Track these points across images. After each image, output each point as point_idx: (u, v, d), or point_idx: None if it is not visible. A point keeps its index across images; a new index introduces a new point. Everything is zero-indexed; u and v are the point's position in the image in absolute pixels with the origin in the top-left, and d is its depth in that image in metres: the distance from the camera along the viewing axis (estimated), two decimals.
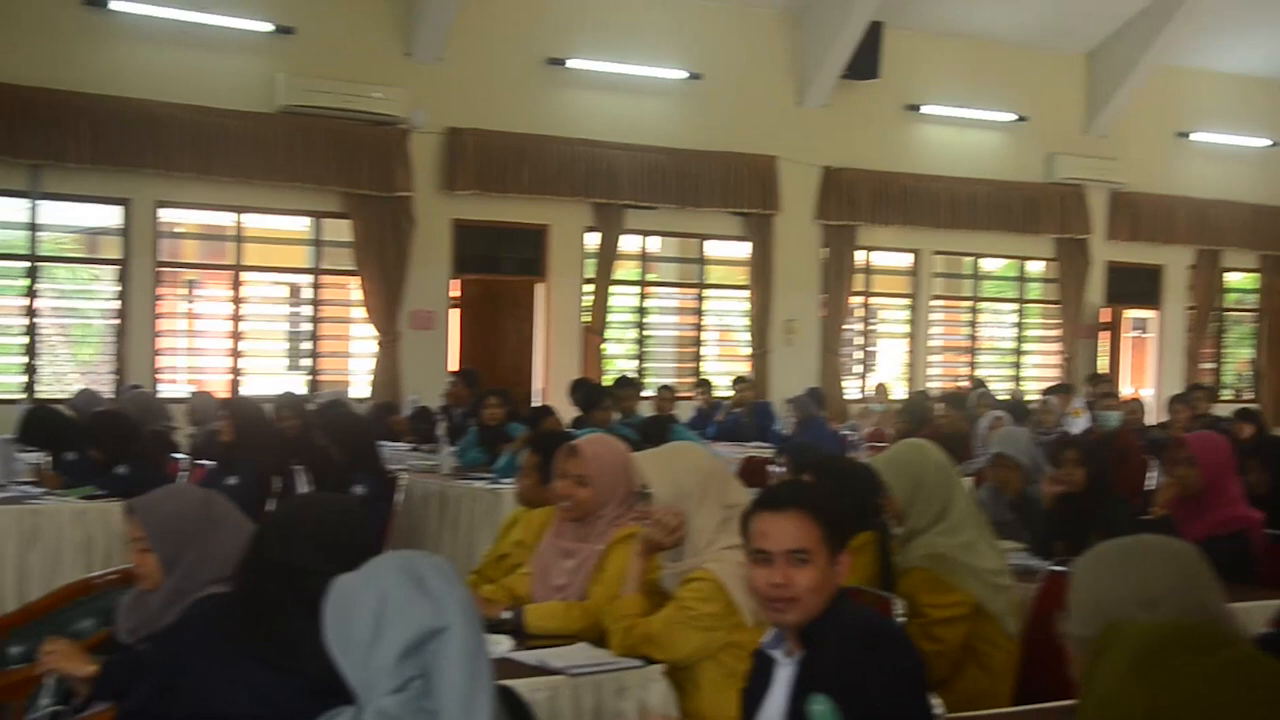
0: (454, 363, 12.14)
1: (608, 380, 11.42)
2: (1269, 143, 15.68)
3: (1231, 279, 16.30)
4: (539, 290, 12.71)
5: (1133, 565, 2.07)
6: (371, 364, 11.82)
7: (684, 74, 12.77)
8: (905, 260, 14.46)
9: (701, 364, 13.62)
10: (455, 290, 12.45)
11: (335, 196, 11.50)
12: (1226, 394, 16.11)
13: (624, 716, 3.34)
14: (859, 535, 4.17)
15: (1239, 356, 16.67)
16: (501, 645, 3.53)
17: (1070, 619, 2.07)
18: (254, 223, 11.82)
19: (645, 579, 3.63)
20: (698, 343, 13.75)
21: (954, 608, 3.95)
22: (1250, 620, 4.01)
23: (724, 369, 13.35)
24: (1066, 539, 5.32)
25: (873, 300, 14.57)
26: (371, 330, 11.77)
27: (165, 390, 10.86)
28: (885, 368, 14.91)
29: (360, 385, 11.88)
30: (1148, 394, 15.04)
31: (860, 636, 2.66)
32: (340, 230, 11.74)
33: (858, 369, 14.42)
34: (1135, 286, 15.57)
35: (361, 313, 11.83)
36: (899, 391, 13.41)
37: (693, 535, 3.56)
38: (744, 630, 3.47)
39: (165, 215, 11.18)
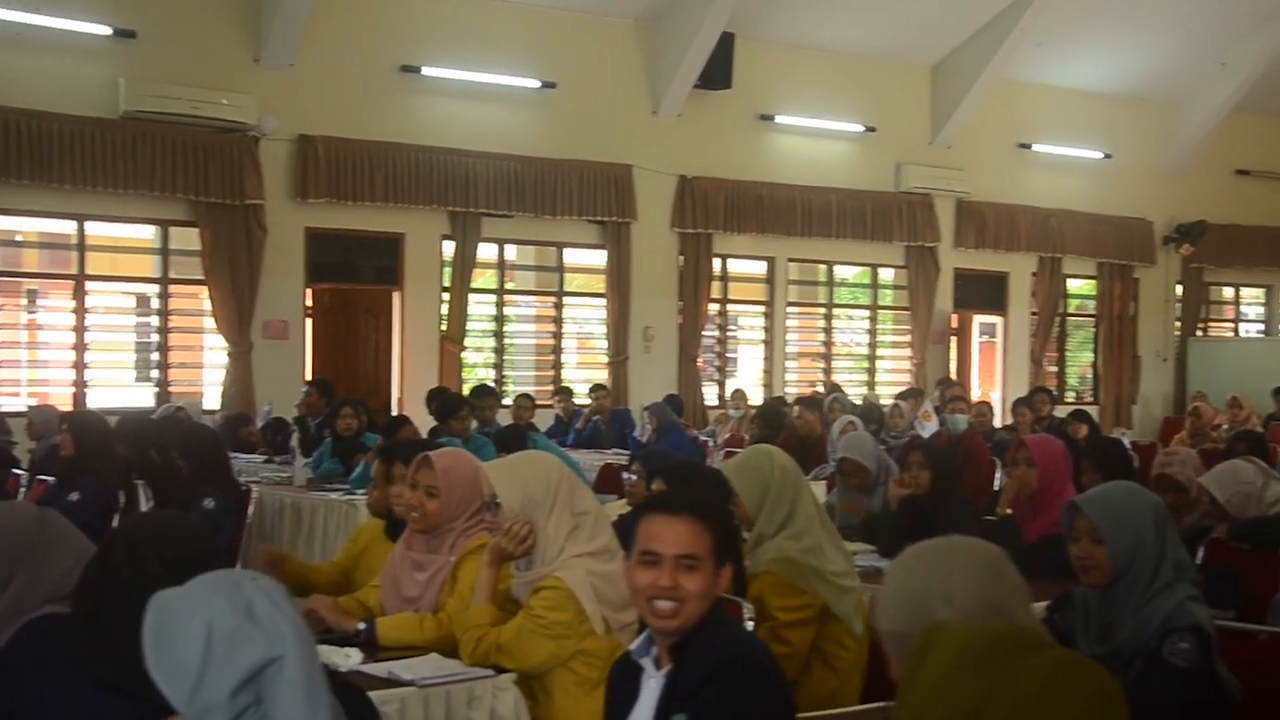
0: (309, 373, 11.95)
1: (466, 389, 11.37)
2: (1104, 155, 16.27)
3: (1072, 285, 16.87)
4: (395, 299, 12.59)
5: (938, 563, 2.17)
6: (223, 375, 11.58)
7: (538, 83, 12.79)
8: (761, 268, 14.67)
9: (561, 372, 13.63)
10: (309, 300, 12.26)
11: (183, 204, 11.24)
12: (1070, 396, 16.68)
13: None
14: None
15: (1081, 360, 17.27)
16: (351, 658, 3.51)
17: (880, 615, 2.17)
18: (98, 231, 11.48)
19: (496, 589, 3.64)
20: (557, 350, 13.76)
21: (802, 610, 4.03)
22: None
23: (584, 376, 13.38)
24: (913, 540, 5.48)
25: (730, 307, 14.75)
26: (223, 341, 11.53)
27: (4, 404, 10.50)
28: (743, 374, 15.10)
29: (212, 396, 11.63)
30: (996, 397, 15.49)
31: (727, 662, 2.64)
32: (189, 239, 11.48)
33: (716, 375, 14.57)
34: (982, 293, 16.02)
35: (212, 323, 11.58)
36: (756, 397, 13.58)
37: (543, 544, 3.58)
38: (595, 638, 3.50)
39: (3, 223, 10.81)
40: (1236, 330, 18.62)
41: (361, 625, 3.76)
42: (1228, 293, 18.45)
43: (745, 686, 2.60)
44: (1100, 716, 1.44)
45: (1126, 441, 10.64)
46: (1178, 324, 17.43)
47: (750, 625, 3.85)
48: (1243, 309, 18.74)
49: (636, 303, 13.47)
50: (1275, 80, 15.98)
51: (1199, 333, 17.63)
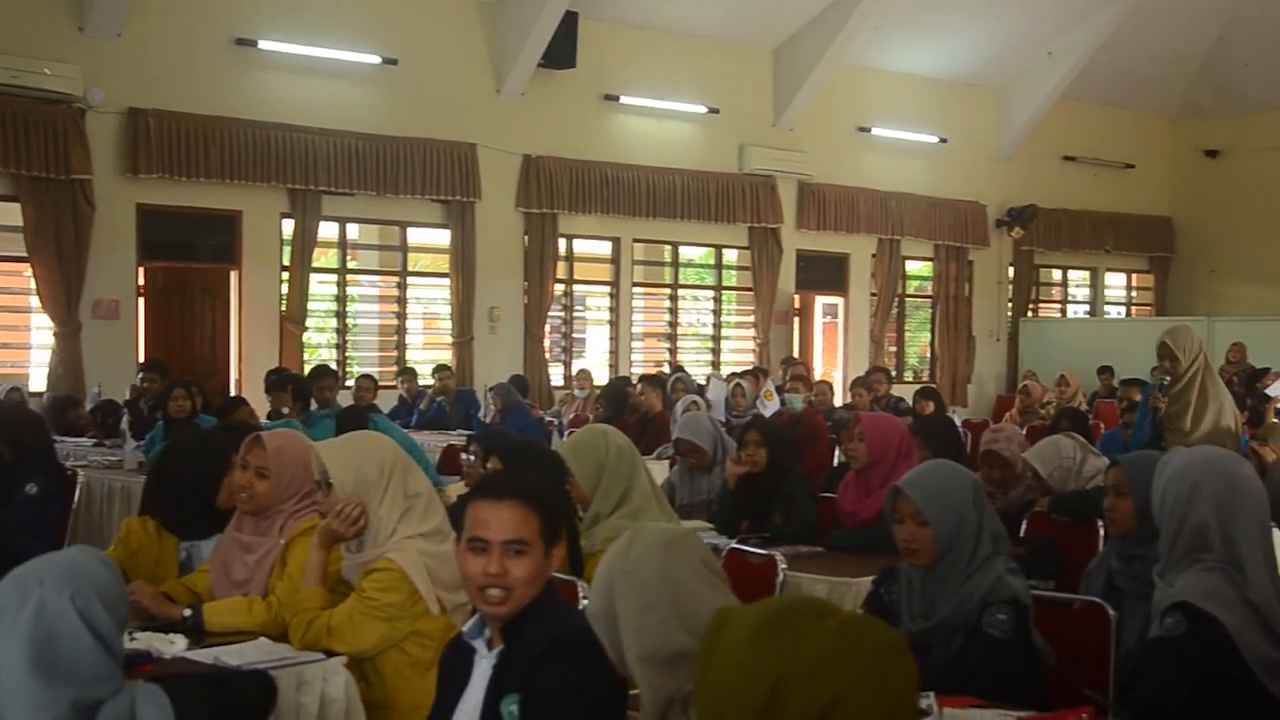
0: (143, 353, 11.59)
1: (307, 370, 11.16)
2: (939, 139, 16.69)
3: (911, 267, 17.28)
4: (233, 278, 12.29)
5: (624, 543, 2.47)
6: (49, 355, 11.17)
7: (379, 59, 12.58)
8: (606, 248, 14.70)
9: (405, 352, 13.48)
10: (142, 278, 11.89)
11: (3, 178, 10.79)
12: (909, 376, 17.09)
13: (304, 710, 3.29)
14: None
15: (920, 340, 17.71)
16: (176, 644, 3.43)
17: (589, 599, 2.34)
18: None
19: (327, 571, 3.58)
20: (401, 331, 13.60)
21: None
22: None
23: (430, 357, 13.24)
24: (750, 517, 5.56)
25: (575, 288, 14.75)
26: (49, 320, 11.12)
27: None
28: (590, 354, 15.13)
29: (39, 378, 11.21)
30: (838, 376, 15.80)
31: (557, 643, 2.64)
32: (10, 214, 11.01)
33: (562, 356, 14.57)
34: (824, 274, 16.30)
35: (38, 301, 11.16)
36: (603, 378, 13.62)
37: (375, 525, 3.54)
38: (428, 619, 3.48)
39: None
40: (1065, 311, 19.30)
41: (187, 611, 3.67)
42: (1056, 275, 19.11)
43: (576, 666, 2.60)
44: (890, 666, 1.50)
45: (958, 419, 10.97)
46: (1010, 305, 17.98)
47: (586, 604, 3.86)
48: (1071, 290, 19.43)
49: (482, 283, 13.38)
50: (1099, 70, 16.57)
51: (1030, 313, 18.22)
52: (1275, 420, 7.79)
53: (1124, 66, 16.90)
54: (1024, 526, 5.54)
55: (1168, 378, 6.72)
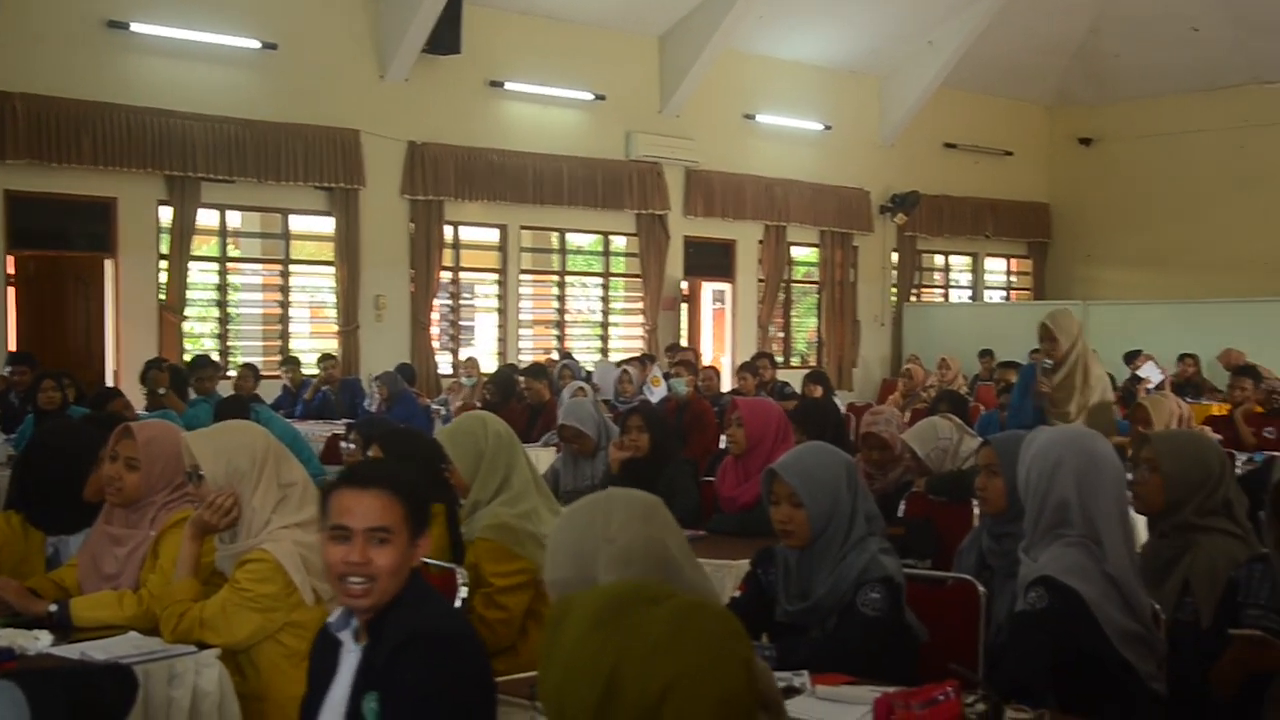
0: (13, 344, 11.26)
1: (187, 360, 10.96)
2: (824, 126, 16.88)
3: (797, 253, 17.45)
4: (108, 267, 12.00)
5: (599, 510, 2.32)
6: None
7: (258, 44, 12.36)
8: (494, 235, 14.62)
9: (289, 341, 13.27)
10: (11, 267, 11.54)
11: None
12: (796, 360, 17.27)
13: (176, 704, 3.23)
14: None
15: (807, 325, 17.90)
16: (40, 640, 3.35)
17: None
18: None
19: (199, 563, 3.52)
20: (284, 320, 13.39)
21: (517, 575, 4.06)
22: None
23: (316, 346, 13.07)
24: None
25: (463, 275, 14.65)
26: None
27: None
28: (479, 342, 15.05)
29: None
30: (726, 362, 15.91)
31: (417, 637, 2.61)
32: None
33: (450, 344, 14.47)
34: (712, 260, 16.40)
35: None
36: (492, 365, 13.55)
37: (248, 516, 3.49)
38: (304, 609, 3.44)
39: None
40: (947, 295, 19.65)
41: (53, 606, 3.59)
42: (939, 260, 19.44)
43: (436, 661, 2.57)
44: (723, 651, 1.50)
45: (842, 404, 11.13)
46: (894, 290, 18.26)
47: (464, 592, 3.86)
48: (953, 275, 19.79)
49: (367, 271, 13.23)
50: (978, 59, 16.89)
51: (913, 298, 18.52)
52: (1146, 399, 7.99)
53: (1001, 56, 17.25)
54: (902, 506, 5.65)
55: (1049, 360, 6.88)
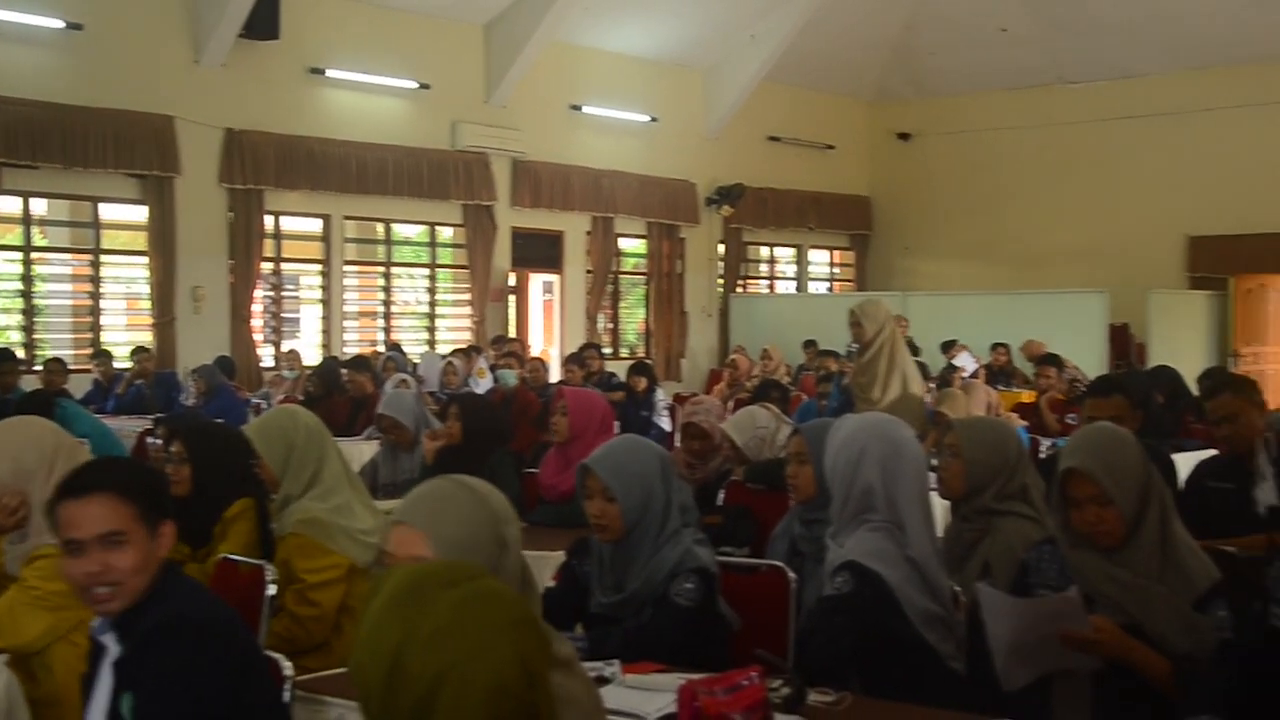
0: None
1: None
2: (650, 118, 16.98)
3: (625, 244, 17.52)
4: None
5: (437, 500, 2.28)
6: None
7: (62, 23, 11.86)
8: (316, 225, 14.33)
9: (102, 334, 12.78)
10: None
11: None
12: (625, 352, 17.35)
13: None
14: (236, 503, 4.12)
15: (636, 317, 17.99)
16: None
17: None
18: None
19: None
20: (95, 312, 12.88)
21: (329, 570, 3.98)
22: None
23: (132, 339, 12.63)
24: None
25: (285, 266, 14.33)
26: None
27: None
28: (304, 334, 14.75)
29: None
30: (555, 353, 15.89)
31: (158, 626, 2.54)
32: None
33: (272, 336, 14.14)
34: (539, 251, 16.35)
35: None
36: (317, 358, 13.29)
37: (38, 514, 3.33)
38: None
39: None
40: (773, 287, 19.99)
41: None
42: (764, 252, 19.76)
43: (180, 648, 2.51)
44: (502, 641, 1.51)
45: (664, 396, 11.23)
46: (720, 281, 18.49)
47: (273, 589, 3.77)
48: (779, 267, 20.13)
49: (183, 261, 12.82)
50: (799, 53, 17.19)
51: (739, 289, 18.78)
52: (957, 389, 8.26)
53: (822, 51, 17.59)
54: (721, 495, 5.72)
55: (856, 345, 7.05)
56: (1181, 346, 14.77)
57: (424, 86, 14.56)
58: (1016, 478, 3.72)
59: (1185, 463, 5.43)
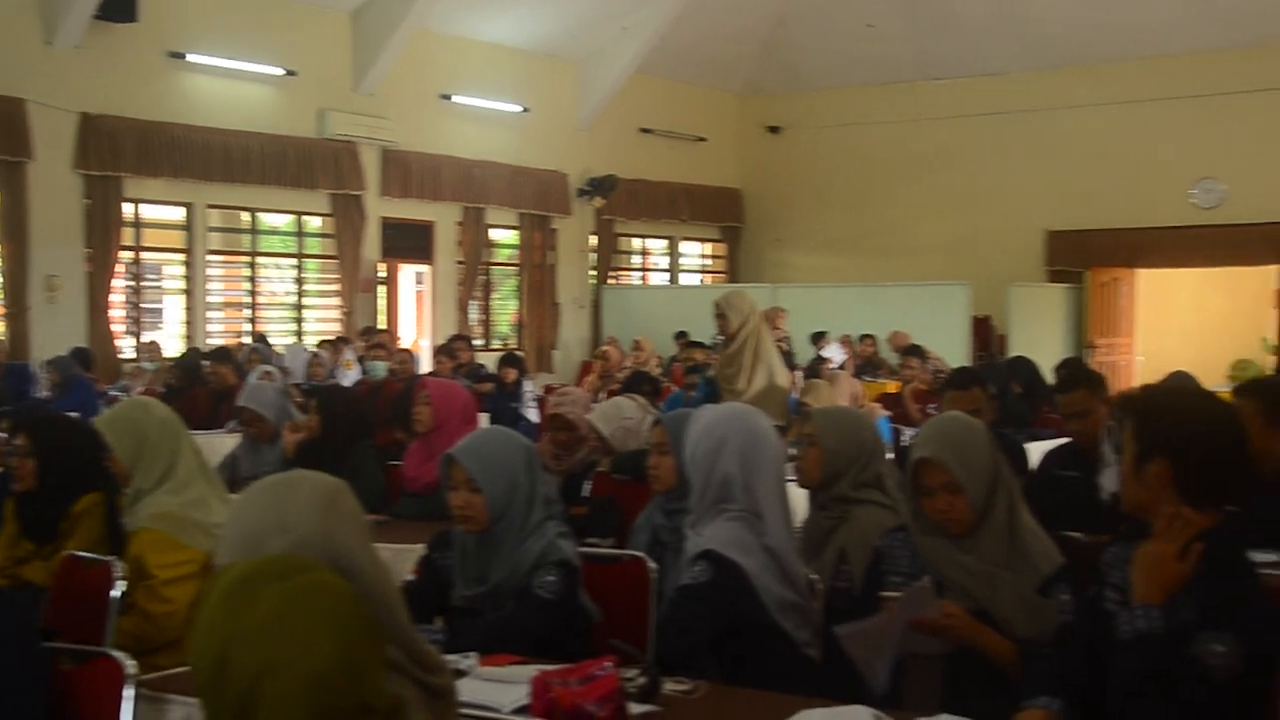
0: None
1: None
2: (522, 109, 16.90)
3: (497, 235, 17.43)
4: None
5: (279, 495, 2.18)
6: None
7: None
8: (179, 214, 13.98)
9: None
10: None
11: None
12: (496, 343, 17.26)
13: None
14: (84, 498, 4.01)
15: (509, 308, 17.91)
16: None
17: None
18: None
19: None
20: None
21: (183, 566, 3.89)
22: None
23: None
24: None
25: (147, 256, 13.97)
26: None
27: None
28: (167, 325, 14.40)
29: None
30: (426, 345, 15.75)
31: None
32: None
33: (133, 327, 13.77)
34: (410, 242, 16.17)
35: None
36: (178, 349, 12.97)
37: None
38: None
39: None
40: (645, 278, 20.05)
41: None
42: (636, 243, 19.81)
43: None
44: (327, 635, 1.50)
45: (532, 387, 11.21)
46: (593, 273, 18.49)
47: (123, 585, 3.67)
48: (653, 259, 20.20)
49: (37, 250, 12.42)
50: (671, 46, 17.27)
51: (612, 281, 18.81)
52: (821, 380, 8.37)
53: (693, 44, 17.69)
54: (587, 486, 5.72)
55: (721, 337, 7.11)
56: (1040, 338, 15.18)
57: (290, 73, 14.29)
58: (872, 466, 3.78)
59: (1041, 451, 5.60)
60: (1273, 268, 16.58)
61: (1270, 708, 2.65)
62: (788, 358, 9.52)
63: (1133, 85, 16.67)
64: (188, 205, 13.88)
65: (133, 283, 13.76)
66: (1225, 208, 16.34)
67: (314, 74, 14.51)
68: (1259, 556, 3.49)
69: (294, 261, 15.38)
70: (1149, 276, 17.53)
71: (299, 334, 15.01)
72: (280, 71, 14.24)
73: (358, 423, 5.68)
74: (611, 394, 9.69)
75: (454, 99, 16.13)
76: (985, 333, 16.48)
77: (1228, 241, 16.24)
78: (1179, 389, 3.32)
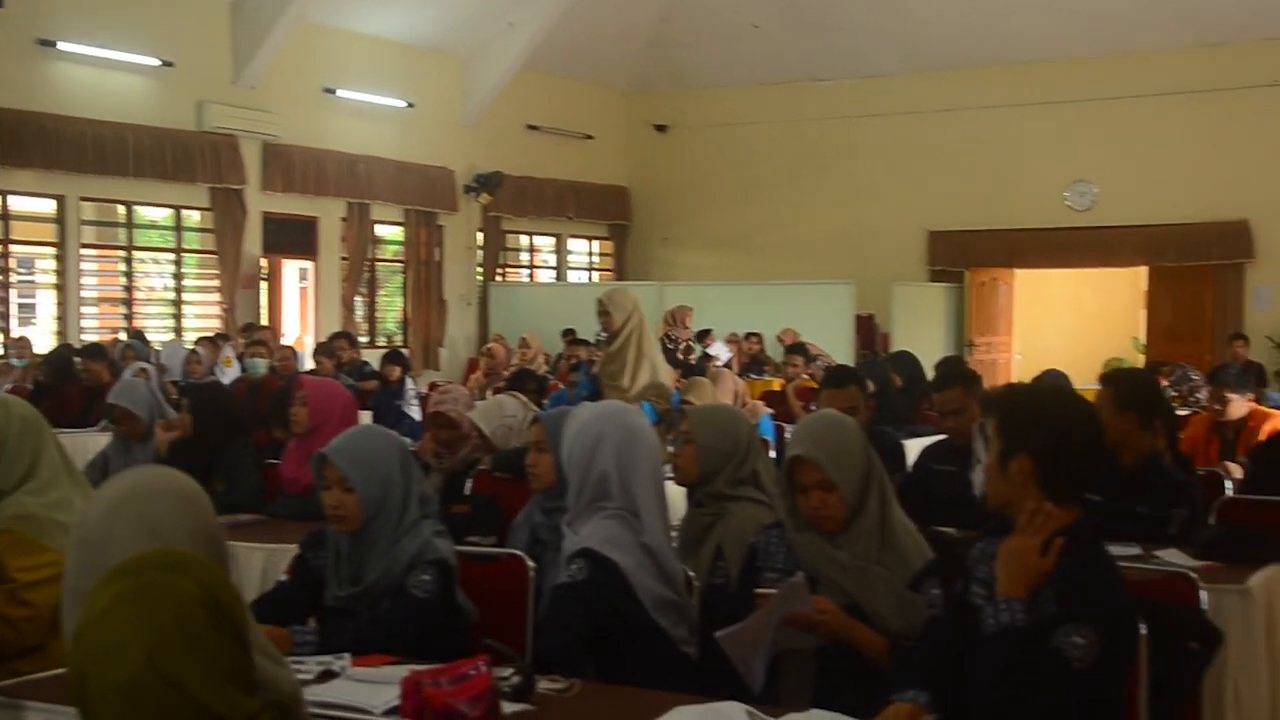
0: None
1: None
2: (407, 104, 16.73)
3: (382, 232, 17.22)
4: None
5: (138, 502, 2.09)
6: None
7: None
8: (50, 206, 13.58)
9: None
10: None
11: None
12: (382, 341, 17.07)
13: None
14: None
15: (395, 305, 17.71)
16: None
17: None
18: None
19: None
20: None
21: (44, 569, 3.75)
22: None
23: None
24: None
25: (16, 249, 13.57)
26: None
27: None
28: (39, 321, 14.01)
29: None
30: (310, 342, 15.49)
31: None
32: None
33: (2, 322, 13.34)
34: (293, 237, 15.91)
35: None
36: (50, 345, 12.61)
37: None
38: None
39: None
40: (534, 275, 19.99)
41: None
42: (524, 240, 19.73)
43: None
44: (138, 639, 1.48)
45: (413, 385, 11.12)
46: (480, 269, 18.37)
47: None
48: (540, 256, 20.13)
49: None
50: (558, 43, 17.22)
51: (499, 278, 18.71)
52: (704, 378, 8.42)
53: (580, 40, 17.66)
54: (469, 484, 5.68)
55: (604, 334, 7.12)
56: (922, 336, 15.44)
57: (167, 64, 13.95)
58: (748, 463, 3.81)
59: (921, 447, 5.71)
60: (1143, 269, 17.08)
61: (1127, 697, 2.72)
62: (688, 355, 9.57)
63: (1010, 90, 17.04)
64: (59, 198, 13.48)
65: (1, 277, 13.35)
66: (1097, 210, 16.79)
67: (192, 65, 14.18)
68: (1117, 550, 3.59)
69: (172, 256, 15.04)
70: (1027, 277, 17.93)
71: (178, 330, 14.68)
72: (156, 62, 13.88)
73: (232, 421, 5.57)
74: (497, 391, 9.67)
75: (338, 93, 15.90)
76: (869, 331, 16.74)
77: (1100, 243, 16.69)
78: (1041, 387, 3.41)
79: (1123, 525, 4.15)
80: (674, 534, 3.74)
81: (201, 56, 14.29)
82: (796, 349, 10.64)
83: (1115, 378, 4.81)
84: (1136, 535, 4.28)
